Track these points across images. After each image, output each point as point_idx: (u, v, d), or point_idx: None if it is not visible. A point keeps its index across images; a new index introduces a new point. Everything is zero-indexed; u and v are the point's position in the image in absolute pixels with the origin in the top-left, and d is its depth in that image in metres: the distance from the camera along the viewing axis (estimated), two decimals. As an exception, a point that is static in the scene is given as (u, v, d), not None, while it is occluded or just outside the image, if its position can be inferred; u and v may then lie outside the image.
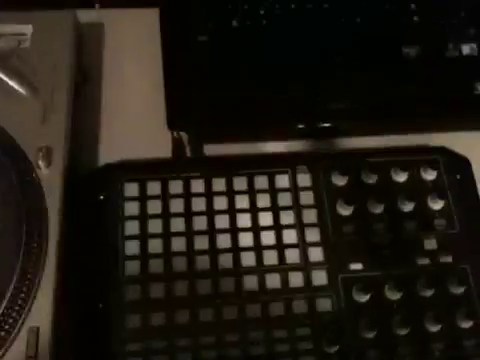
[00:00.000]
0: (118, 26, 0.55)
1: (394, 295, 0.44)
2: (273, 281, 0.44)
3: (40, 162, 0.43)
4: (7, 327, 0.38)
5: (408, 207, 0.47)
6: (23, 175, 0.42)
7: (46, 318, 0.39)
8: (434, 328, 0.43)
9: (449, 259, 0.46)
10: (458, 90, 0.52)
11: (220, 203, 0.46)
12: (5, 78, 0.46)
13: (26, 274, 0.39)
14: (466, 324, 0.44)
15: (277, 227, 0.46)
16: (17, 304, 0.39)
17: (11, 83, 0.46)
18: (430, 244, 0.46)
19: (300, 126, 0.51)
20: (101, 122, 0.52)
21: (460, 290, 0.45)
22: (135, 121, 0.52)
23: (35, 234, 0.40)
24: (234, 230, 0.45)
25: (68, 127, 0.45)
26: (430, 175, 0.48)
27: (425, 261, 0.46)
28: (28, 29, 0.48)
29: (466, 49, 0.54)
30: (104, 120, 0.52)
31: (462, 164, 0.50)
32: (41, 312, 0.39)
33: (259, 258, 0.45)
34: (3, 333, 0.38)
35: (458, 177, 0.49)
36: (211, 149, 0.52)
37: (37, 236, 0.40)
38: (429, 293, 0.44)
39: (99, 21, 0.56)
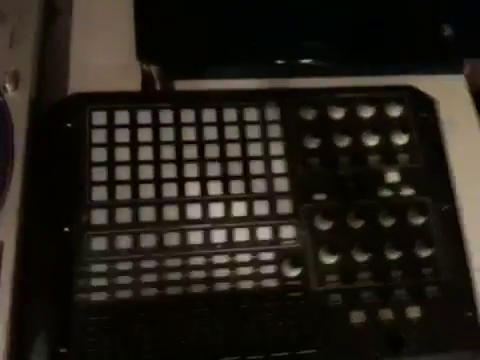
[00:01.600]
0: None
1: (355, 223, 0.45)
2: (239, 209, 0.45)
3: (7, 85, 0.43)
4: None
5: (373, 141, 0.48)
6: (-11, 97, 0.42)
7: (10, 234, 0.39)
8: (393, 256, 0.45)
9: (410, 192, 0.47)
10: (426, 31, 0.53)
11: (188, 134, 0.47)
12: (-29, 2, 0.45)
13: (-9, 191, 0.40)
14: (424, 253, 0.45)
15: (244, 158, 0.47)
16: (-19, 220, 0.39)
17: (-23, 7, 0.45)
18: (392, 177, 0.47)
19: (279, 62, 0.51)
20: (70, 55, 0.52)
21: (420, 221, 0.46)
22: (105, 54, 0.52)
23: (1, 153, 0.40)
24: (202, 160, 0.46)
25: (36, 52, 0.45)
26: (396, 111, 0.49)
27: (387, 193, 0.47)
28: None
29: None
30: (73, 53, 0.52)
31: (428, 103, 0.51)
32: (5, 229, 0.39)
33: (226, 187, 0.45)
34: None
35: (423, 115, 0.50)
36: (181, 85, 0.52)
37: (3, 155, 0.40)
38: (390, 223, 0.46)
39: None
